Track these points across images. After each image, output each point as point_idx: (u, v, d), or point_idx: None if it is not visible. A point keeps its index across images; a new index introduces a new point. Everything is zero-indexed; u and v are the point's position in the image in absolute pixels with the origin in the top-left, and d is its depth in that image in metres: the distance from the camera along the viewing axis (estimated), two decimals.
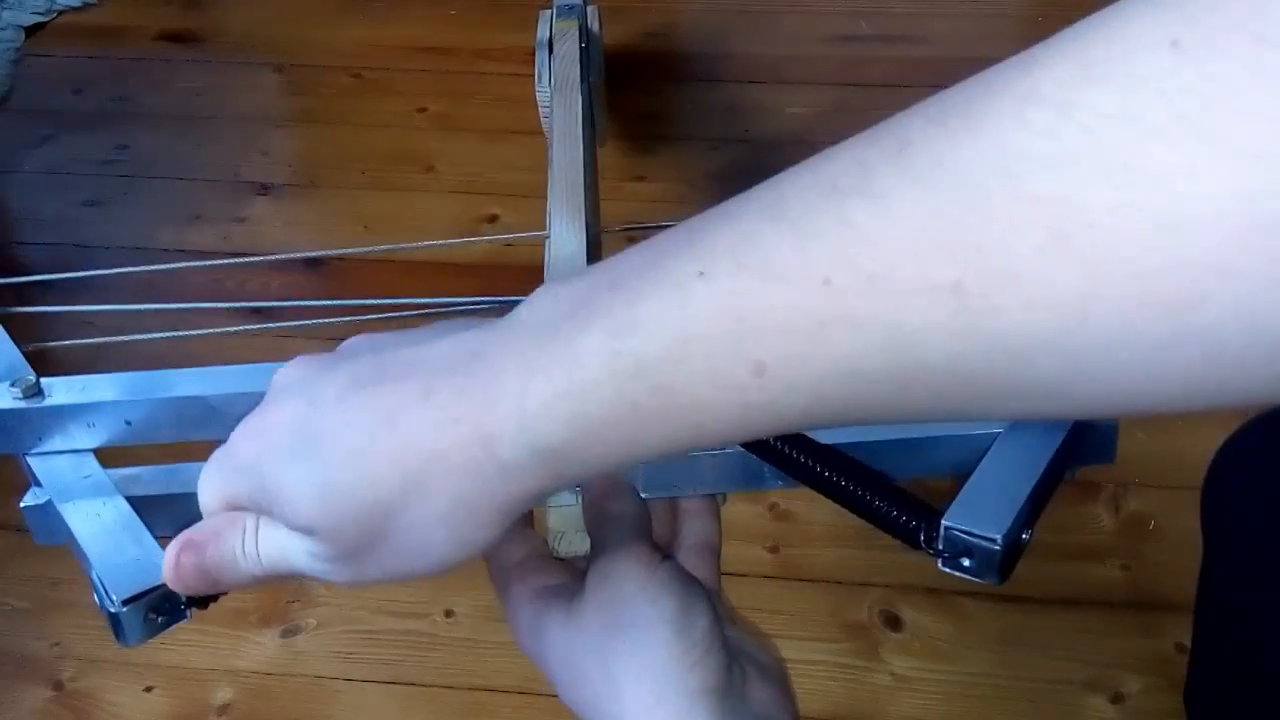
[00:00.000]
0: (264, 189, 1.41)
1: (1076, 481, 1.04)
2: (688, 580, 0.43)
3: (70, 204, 1.40)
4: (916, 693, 0.91)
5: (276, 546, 0.37)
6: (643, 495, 0.48)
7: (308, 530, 0.35)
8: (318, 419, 0.35)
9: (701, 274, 0.30)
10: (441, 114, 1.52)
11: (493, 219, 1.33)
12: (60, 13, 1.73)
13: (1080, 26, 0.27)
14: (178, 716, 0.92)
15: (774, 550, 1.00)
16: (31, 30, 1.69)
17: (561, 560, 0.47)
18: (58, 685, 0.94)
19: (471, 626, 0.96)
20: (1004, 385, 0.27)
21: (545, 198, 0.72)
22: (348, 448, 0.34)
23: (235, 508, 0.38)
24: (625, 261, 0.32)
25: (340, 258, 1.27)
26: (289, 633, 0.97)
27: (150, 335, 0.63)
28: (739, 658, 0.43)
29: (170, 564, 0.38)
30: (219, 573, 0.38)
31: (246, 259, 1.19)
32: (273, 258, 1.20)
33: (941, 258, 0.26)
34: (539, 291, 0.34)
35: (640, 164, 1.41)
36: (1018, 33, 1.67)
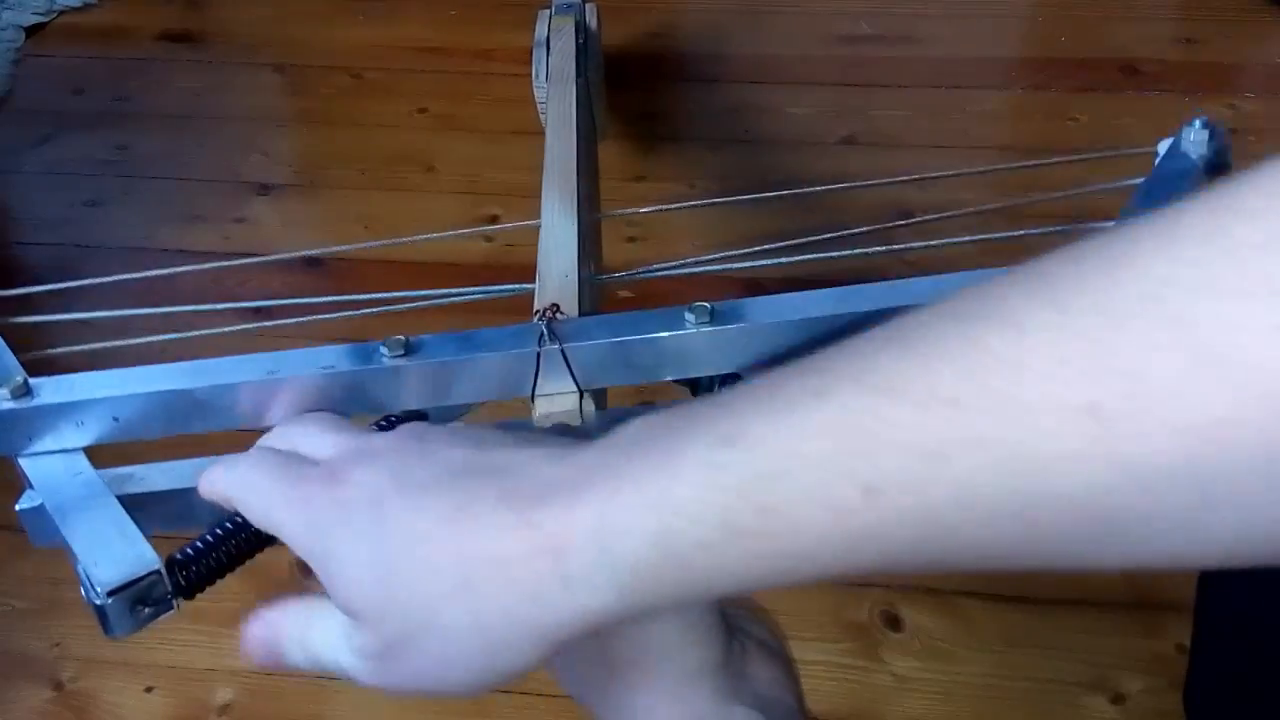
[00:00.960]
0: (264, 189, 1.41)
1: None
2: None
3: (70, 204, 1.40)
4: (917, 693, 0.91)
5: (326, 640, 0.37)
6: None
7: (353, 611, 0.34)
8: (396, 500, 0.34)
9: (816, 394, 0.29)
10: (442, 114, 1.52)
11: (493, 219, 1.33)
12: (60, 13, 1.74)
13: (1217, 185, 0.27)
14: (178, 717, 0.92)
15: None
16: (32, 30, 1.69)
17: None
18: (58, 685, 0.94)
19: None
20: (1130, 515, 0.27)
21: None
22: (413, 533, 0.33)
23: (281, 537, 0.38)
24: (732, 390, 0.31)
25: (340, 258, 1.27)
26: None
27: (149, 338, 0.63)
28: (739, 635, 0.42)
29: (245, 634, 0.39)
30: (279, 654, 0.39)
31: (247, 259, 1.19)
32: (273, 258, 1.20)
33: (1079, 379, 0.26)
34: (637, 417, 0.32)
35: (640, 164, 1.41)
36: (1018, 33, 1.67)
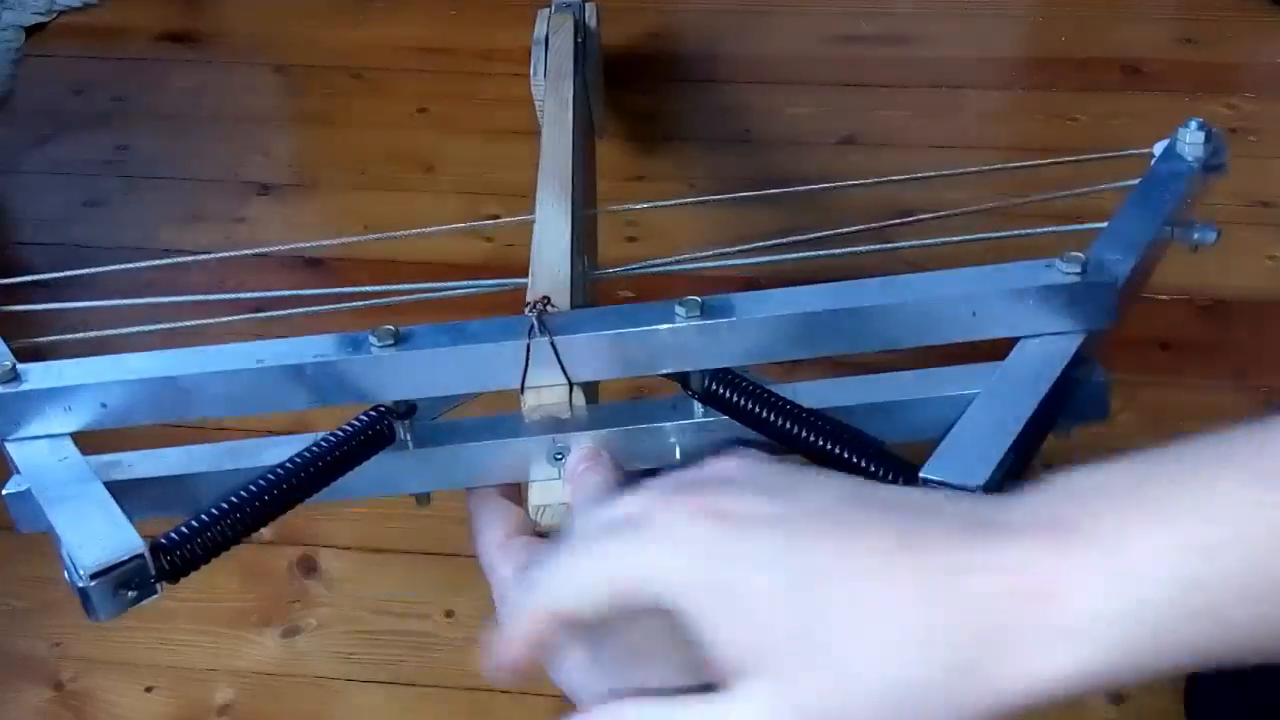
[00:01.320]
0: (264, 189, 1.41)
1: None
2: None
3: (70, 204, 1.40)
4: None
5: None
6: (639, 466, 0.49)
7: (747, 648, 0.28)
8: (804, 524, 0.28)
9: None
10: (441, 114, 1.52)
11: (493, 219, 1.33)
12: (60, 13, 1.74)
13: None
14: (178, 717, 0.92)
15: None
16: (32, 30, 1.69)
17: (544, 537, 0.48)
18: (58, 685, 0.94)
19: (472, 627, 0.96)
20: None
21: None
22: (842, 567, 0.27)
23: (627, 595, 0.31)
24: (1237, 436, 0.29)
25: (340, 257, 1.27)
26: (289, 633, 0.97)
27: (145, 327, 0.62)
28: None
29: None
30: None
31: (248, 253, 1.19)
32: (277, 248, 1.20)
33: None
34: (1062, 475, 0.28)
35: (640, 164, 1.41)
36: (1018, 33, 1.67)
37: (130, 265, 0.66)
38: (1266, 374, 1.13)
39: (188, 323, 0.64)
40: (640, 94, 1.53)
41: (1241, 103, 1.46)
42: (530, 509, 0.49)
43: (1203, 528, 0.25)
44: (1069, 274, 0.48)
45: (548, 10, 1.15)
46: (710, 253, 0.64)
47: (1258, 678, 0.60)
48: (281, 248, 1.21)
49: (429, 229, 1.17)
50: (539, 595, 0.33)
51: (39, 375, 0.48)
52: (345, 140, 1.49)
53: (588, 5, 1.22)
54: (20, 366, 0.49)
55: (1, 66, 1.38)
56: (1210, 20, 1.62)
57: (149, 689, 0.94)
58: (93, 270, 0.63)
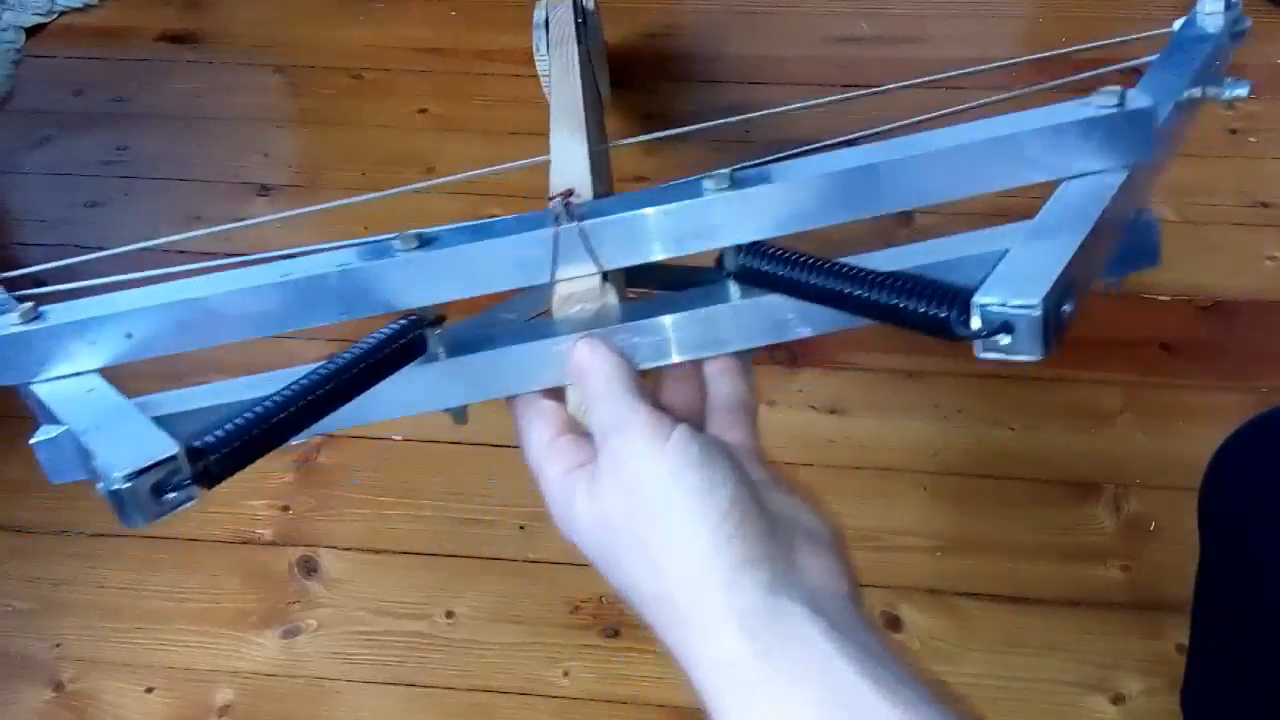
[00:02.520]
0: (264, 190, 1.42)
1: (1077, 483, 1.04)
2: (706, 445, 0.41)
3: (70, 204, 1.41)
4: None
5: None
6: (675, 359, 0.47)
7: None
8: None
9: None
10: (442, 114, 1.52)
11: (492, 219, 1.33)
12: (61, 13, 1.73)
13: None
14: (178, 717, 0.92)
15: None
16: (32, 31, 1.69)
17: (588, 436, 0.45)
18: (58, 686, 0.94)
19: (472, 628, 0.96)
20: None
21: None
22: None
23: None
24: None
25: None
26: (290, 634, 0.97)
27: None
28: (783, 525, 0.41)
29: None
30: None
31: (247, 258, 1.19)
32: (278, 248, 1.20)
33: None
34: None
35: (640, 164, 1.41)
36: (1018, 33, 1.67)
37: (151, 243, 0.66)
38: (1266, 374, 1.13)
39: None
40: (640, 94, 1.53)
41: (1242, 103, 1.46)
42: (571, 409, 0.47)
43: None
44: (1106, 107, 0.47)
45: (544, 0, 1.16)
46: (727, 120, 0.62)
47: (1254, 678, 0.60)
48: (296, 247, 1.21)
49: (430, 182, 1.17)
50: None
51: (61, 312, 0.47)
52: (345, 140, 1.49)
53: None
54: (41, 308, 0.48)
55: (2, 67, 1.38)
56: None
57: (149, 690, 0.94)
58: (105, 253, 0.63)
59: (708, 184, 0.46)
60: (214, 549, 1.03)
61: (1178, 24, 0.60)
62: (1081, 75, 0.70)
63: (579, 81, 0.78)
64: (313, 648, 0.96)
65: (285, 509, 1.06)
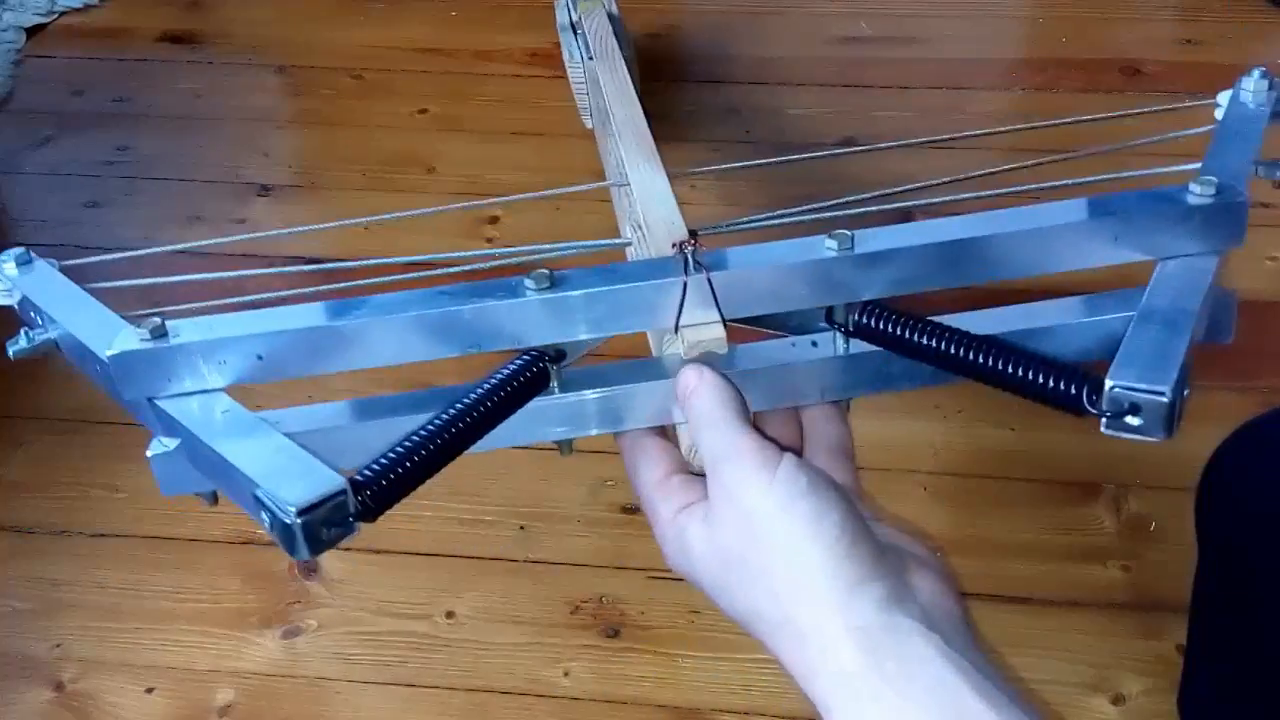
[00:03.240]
0: (265, 190, 1.42)
1: (1077, 483, 1.04)
2: (813, 475, 0.43)
3: (71, 205, 1.41)
4: None
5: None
6: (765, 408, 0.49)
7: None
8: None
9: None
10: (442, 115, 1.52)
11: (493, 220, 1.33)
12: (61, 14, 1.74)
13: None
14: (178, 718, 0.92)
15: None
16: (32, 31, 1.69)
17: (700, 476, 0.47)
18: (58, 686, 0.94)
19: (473, 628, 0.96)
20: None
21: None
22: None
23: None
24: None
25: (341, 256, 1.27)
26: (290, 634, 0.97)
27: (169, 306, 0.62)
28: (894, 551, 0.43)
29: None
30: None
31: (248, 258, 1.19)
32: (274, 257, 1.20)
33: None
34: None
35: None
36: (1018, 34, 1.67)
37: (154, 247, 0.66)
38: (1266, 374, 1.13)
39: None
40: (641, 94, 1.52)
41: None
42: (684, 449, 0.49)
43: None
44: (1205, 196, 0.50)
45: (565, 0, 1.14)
46: (809, 206, 0.63)
47: (1252, 679, 0.60)
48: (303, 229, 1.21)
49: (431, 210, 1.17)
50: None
51: (190, 330, 0.48)
52: (345, 141, 1.49)
53: None
54: (170, 323, 0.48)
55: (2, 67, 1.38)
56: (1210, 20, 1.62)
57: (150, 690, 0.94)
58: (108, 257, 0.63)
59: (829, 243, 0.48)
60: (214, 549, 1.03)
61: (1222, 98, 0.61)
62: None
63: (637, 101, 0.79)
64: (313, 648, 0.96)
65: None
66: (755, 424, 0.46)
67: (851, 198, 0.63)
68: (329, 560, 1.01)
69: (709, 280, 0.47)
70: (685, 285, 0.47)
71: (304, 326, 0.47)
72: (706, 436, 0.45)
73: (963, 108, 1.49)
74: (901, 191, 0.64)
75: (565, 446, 0.51)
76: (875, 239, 0.48)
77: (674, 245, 0.51)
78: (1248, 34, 1.61)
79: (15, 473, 1.07)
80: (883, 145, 0.76)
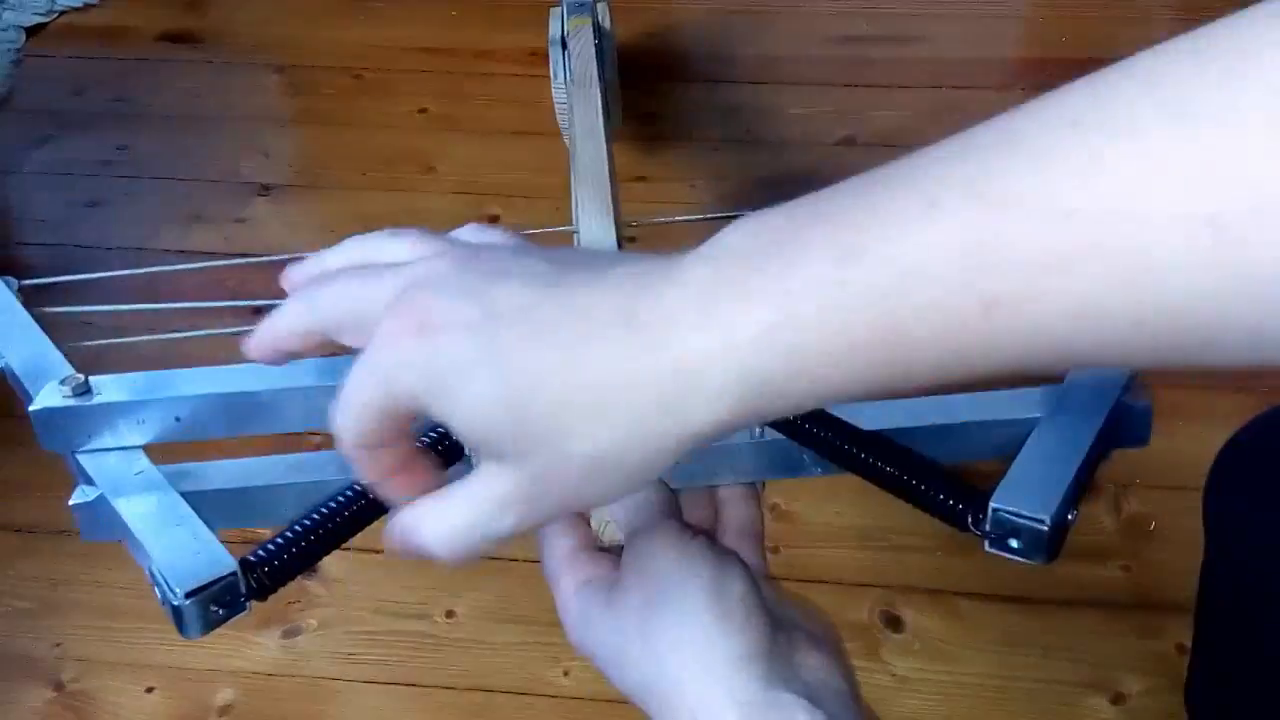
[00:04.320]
0: (265, 189, 1.42)
1: None
2: (722, 552, 0.43)
3: (71, 204, 1.41)
4: (917, 693, 0.91)
5: (468, 514, 0.36)
6: (678, 487, 0.49)
7: (491, 448, 0.34)
8: (502, 331, 0.33)
9: (932, 205, 0.29)
10: (442, 114, 1.52)
11: (493, 220, 1.33)
12: (61, 13, 1.73)
13: None
14: (179, 717, 0.92)
15: (775, 550, 1.00)
16: (32, 31, 1.69)
17: (607, 551, 0.48)
18: (58, 686, 0.94)
19: (472, 627, 0.96)
20: (1239, 323, 0.27)
21: (568, 194, 0.72)
22: (540, 368, 0.33)
23: (393, 410, 0.36)
24: (829, 198, 0.32)
25: None
26: (290, 633, 0.97)
27: (152, 336, 0.62)
28: (785, 625, 0.43)
29: (386, 537, 0.38)
30: (423, 549, 0.37)
31: (248, 259, 1.19)
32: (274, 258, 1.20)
33: (1199, 191, 0.26)
34: (733, 225, 0.33)
35: (641, 164, 1.41)
36: (1018, 33, 1.67)
37: (141, 269, 0.66)
38: (1267, 374, 1.13)
39: (195, 333, 0.64)
40: (641, 94, 1.53)
41: None
42: (594, 524, 0.49)
43: (792, 304, 0.31)
44: None
45: (559, 9, 1.14)
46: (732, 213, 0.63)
47: (1259, 677, 0.60)
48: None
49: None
50: (339, 427, 0.37)
51: (112, 388, 0.48)
52: (345, 140, 1.49)
53: (600, 5, 1.22)
54: (92, 380, 0.49)
55: (2, 66, 1.38)
56: (1210, 21, 1.62)
57: (150, 689, 0.94)
58: (104, 274, 0.63)
59: None
60: None
61: None
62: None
63: (604, 142, 0.78)
64: (313, 648, 0.96)
65: None
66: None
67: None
68: (329, 560, 1.01)
69: None
70: None
71: (221, 392, 0.48)
72: (630, 514, 0.46)
73: (963, 107, 1.49)
74: None
75: None
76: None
77: None
78: None
79: (15, 473, 1.07)
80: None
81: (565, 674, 0.92)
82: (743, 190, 1.32)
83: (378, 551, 1.01)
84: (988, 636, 0.94)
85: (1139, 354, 0.29)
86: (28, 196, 1.43)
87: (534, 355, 0.33)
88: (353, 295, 0.38)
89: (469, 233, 0.41)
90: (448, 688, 0.93)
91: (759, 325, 0.31)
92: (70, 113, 1.56)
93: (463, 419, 0.34)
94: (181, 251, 1.32)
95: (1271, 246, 0.26)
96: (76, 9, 1.74)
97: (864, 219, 0.30)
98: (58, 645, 0.97)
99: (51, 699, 0.93)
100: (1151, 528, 1.01)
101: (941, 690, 0.91)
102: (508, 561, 1.00)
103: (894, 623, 0.96)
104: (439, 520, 0.37)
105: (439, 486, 0.38)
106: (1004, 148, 0.29)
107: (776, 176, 1.37)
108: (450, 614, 0.97)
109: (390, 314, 0.35)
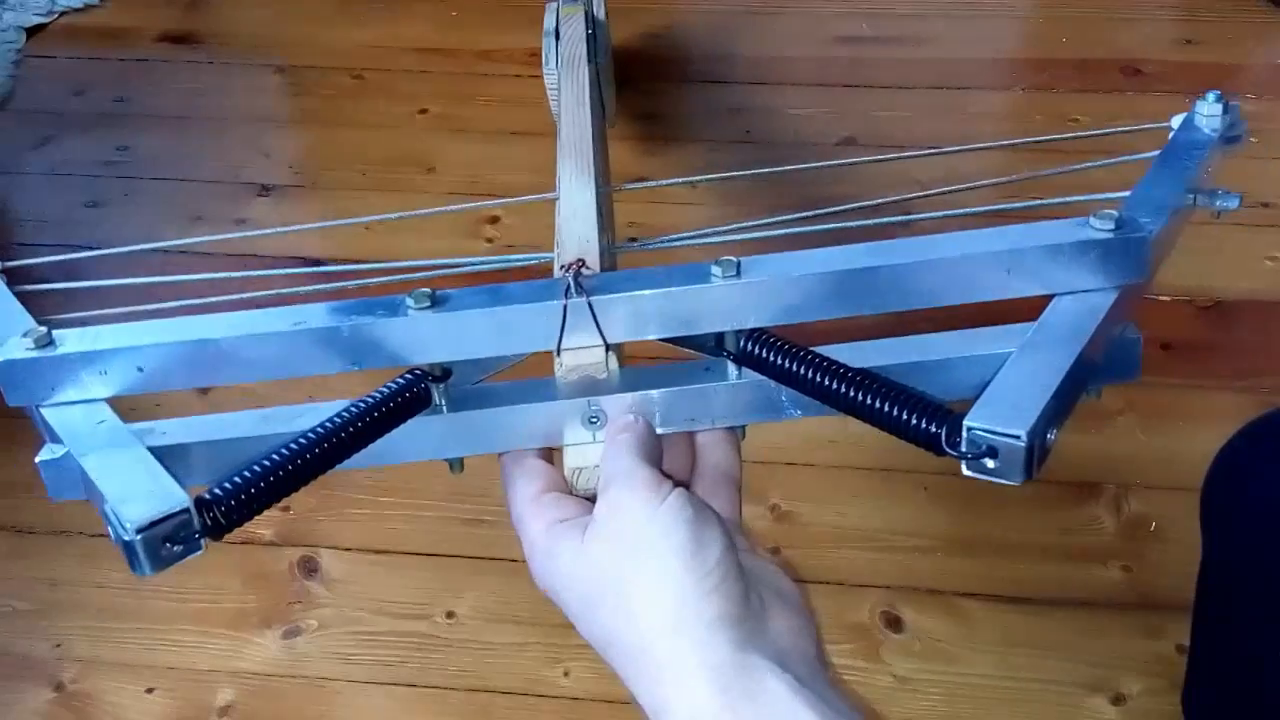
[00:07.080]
0: (265, 190, 1.42)
1: (1077, 483, 1.04)
2: (699, 508, 0.43)
3: (71, 205, 1.41)
4: (917, 694, 0.91)
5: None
6: (659, 430, 0.49)
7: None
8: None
9: None
10: (442, 115, 1.52)
11: (493, 220, 1.33)
12: (61, 14, 1.74)
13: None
14: (178, 717, 0.92)
15: (775, 551, 1.00)
16: (33, 31, 1.69)
17: (576, 496, 0.48)
18: (59, 686, 0.94)
19: (473, 628, 0.96)
20: None
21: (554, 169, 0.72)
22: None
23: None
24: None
25: (340, 259, 1.27)
26: (290, 634, 0.97)
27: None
28: (757, 586, 0.43)
29: None
30: None
31: (248, 258, 1.19)
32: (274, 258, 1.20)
33: None
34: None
35: (641, 164, 1.41)
36: (1018, 33, 1.67)
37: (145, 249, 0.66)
38: (1266, 374, 1.13)
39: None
40: (641, 95, 1.53)
41: (1241, 103, 1.46)
42: (566, 472, 0.49)
43: None
44: (1103, 230, 0.48)
45: (555, 3, 1.15)
46: (734, 226, 0.64)
47: (1256, 678, 0.60)
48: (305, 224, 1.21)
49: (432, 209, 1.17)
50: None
51: (75, 340, 0.48)
52: (346, 141, 1.49)
53: None
54: (55, 332, 0.49)
55: (2, 67, 1.38)
56: (1210, 20, 1.62)
57: (150, 690, 0.94)
58: (109, 251, 0.63)
59: (715, 270, 0.48)
60: (214, 549, 1.02)
61: (1176, 121, 0.60)
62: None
63: (589, 116, 0.78)
64: (313, 648, 0.96)
65: (286, 509, 1.06)
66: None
67: (779, 218, 0.63)
68: (329, 560, 1.01)
69: (589, 305, 0.48)
70: (565, 309, 0.48)
71: (181, 340, 0.48)
72: (609, 461, 0.46)
73: (963, 108, 1.49)
74: (836, 212, 0.64)
75: (455, 465, 0.51)
76: (762, 267, 0.48)
77: (563, 268, 0.51)
78: (1247, 34, 1.61)
79: (15, 473, 1.07)
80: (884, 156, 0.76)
81: (565, 674, 0.92)
82: (743, 190, 1.32)
83: (378, 552, 1.02)
84: (988, 637, 0.94)
85: None
86: (28, 196, 1.43)
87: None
88: None
89: None
90: (448, 688, 0.93)
91: None
92: (70, 113, 1.56)
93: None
94: (182, 252, 1.32)
95: None
96: (77, 9, 1.74)
97: None
98: (58, 645, 0.97)
99: (51, 699, 0.93)
100: (1152, 528, 1.01)
101: (942, 691, 0.91)
102: (508, 562, 1.00)
103: (894, 623, 0.96)
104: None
105: None
106: None
107: (776, 176, 1.37)
108: (450, 614, 0.97)
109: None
